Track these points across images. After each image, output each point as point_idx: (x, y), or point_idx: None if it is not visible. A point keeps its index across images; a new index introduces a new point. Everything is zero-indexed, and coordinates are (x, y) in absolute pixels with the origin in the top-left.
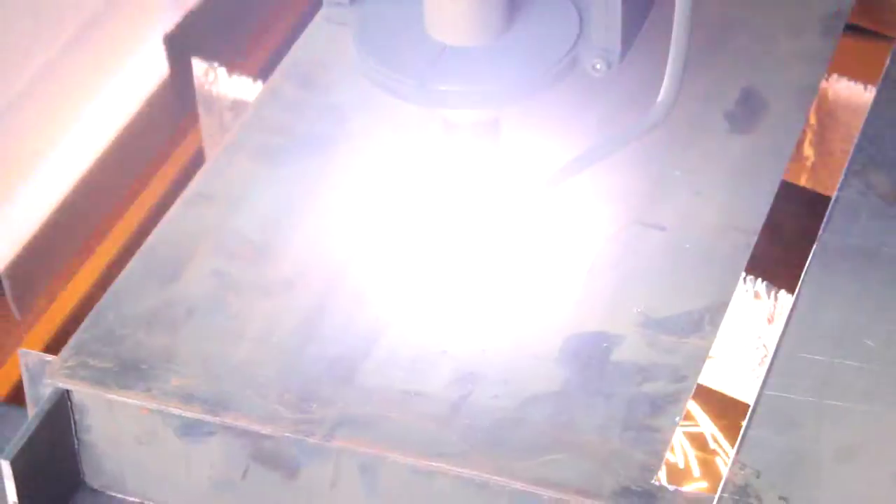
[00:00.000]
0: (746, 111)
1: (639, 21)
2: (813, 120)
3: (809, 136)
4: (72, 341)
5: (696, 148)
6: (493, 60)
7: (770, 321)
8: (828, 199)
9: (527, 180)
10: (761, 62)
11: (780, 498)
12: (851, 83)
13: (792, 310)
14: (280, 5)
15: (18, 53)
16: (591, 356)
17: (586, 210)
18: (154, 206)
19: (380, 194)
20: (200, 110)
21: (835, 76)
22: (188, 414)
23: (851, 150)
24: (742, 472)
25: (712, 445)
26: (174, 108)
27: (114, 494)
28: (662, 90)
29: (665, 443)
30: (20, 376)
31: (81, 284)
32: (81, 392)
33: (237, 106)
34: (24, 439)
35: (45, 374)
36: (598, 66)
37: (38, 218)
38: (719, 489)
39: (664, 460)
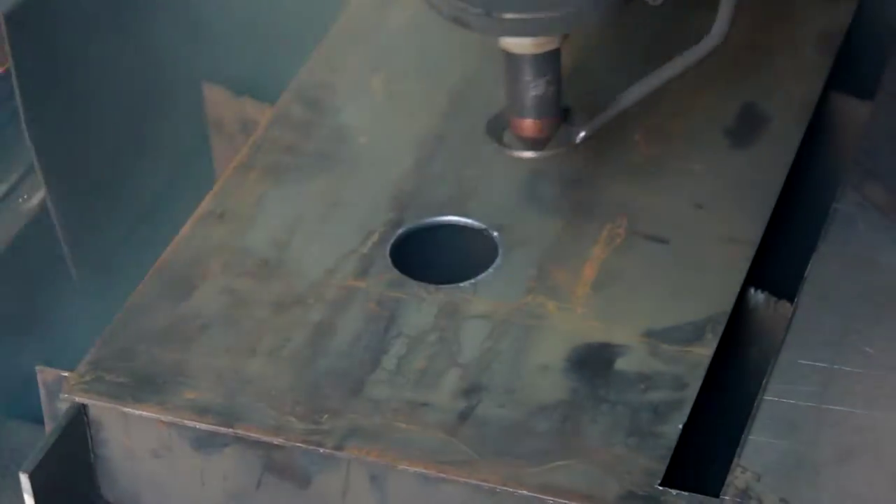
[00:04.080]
0: (746, 126)
1: None
2: None
3: None
4: (88, 357)
5: (698, 162)
6: None
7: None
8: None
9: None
10: (760, 78)
11: (781, 500)
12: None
13: (791, 318)
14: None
15: None
16: (596, 366)
17: (590, 222)
18: None
19: (387, 210)
20: (211, 133)
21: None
22: (202, 426)
23: (849, 163)
24: (743, 476)
25: None
26: None
27: None
28: (716, 23)
29: (669, 448)
30: None
31: None
32: (97, 406)
33: (247, 128)
34: (43, 453)
35: (61, 390)
36: None
37: None
38: (721, 492)
39: (667, 465)
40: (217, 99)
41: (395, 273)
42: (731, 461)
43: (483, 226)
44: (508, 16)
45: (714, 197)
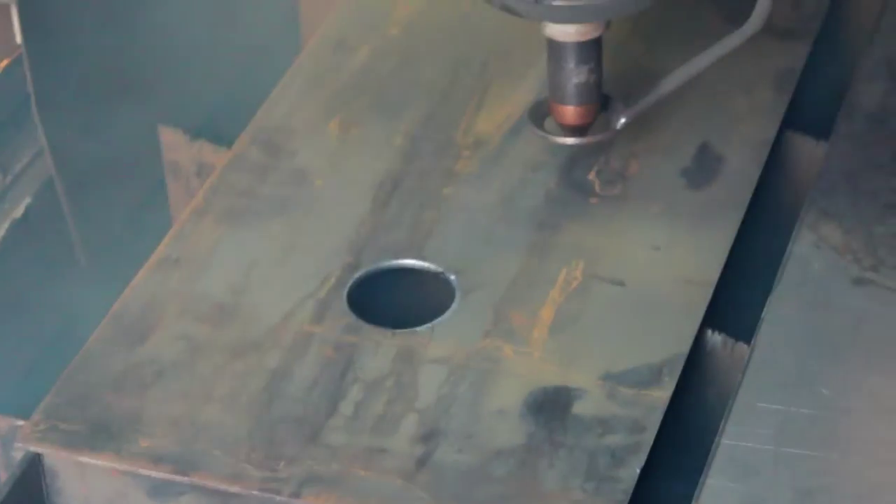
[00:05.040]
0: (702, 166)
1: None
2: None
3: None
4: (42, 405)
5: (655, 203)
6: None
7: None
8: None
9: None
10: (716, 118)
11: None
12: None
13: (748, 359)
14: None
15: None
16: (553, 409)
17: (547, 265)
18: None
19: (344, 253)
20: (167, 177)
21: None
22: (158, 474)
23: (805, 203)
24: None
25: None
26: None
27: None
28: (756, 9)
29: (626, 492)
30: None
31: None
32: (52, 455)
33: (203, 171)
34: None
35: (16, 439)
36: None
37: None
38: None
39: None
40: (173, 142)
41: (352, 317)
42: None
43: (440, 269)
44: (557, 3)
45: (671, 238)
